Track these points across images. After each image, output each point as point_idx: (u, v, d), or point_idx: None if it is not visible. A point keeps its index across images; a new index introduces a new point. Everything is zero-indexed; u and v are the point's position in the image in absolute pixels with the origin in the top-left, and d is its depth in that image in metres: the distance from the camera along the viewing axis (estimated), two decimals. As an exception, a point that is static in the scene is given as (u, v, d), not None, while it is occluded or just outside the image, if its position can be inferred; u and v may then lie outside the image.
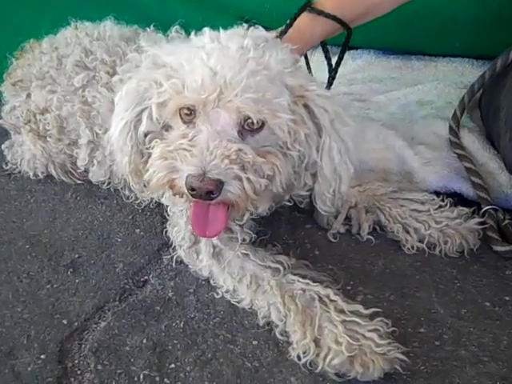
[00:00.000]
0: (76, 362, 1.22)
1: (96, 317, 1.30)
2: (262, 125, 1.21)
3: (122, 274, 1.42)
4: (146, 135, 1.30)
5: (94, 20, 1.81)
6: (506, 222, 1.56)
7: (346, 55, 2.47)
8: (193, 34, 1.33)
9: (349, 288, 1.40)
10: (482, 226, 1.53)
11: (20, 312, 1.31)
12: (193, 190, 1.15)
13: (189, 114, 1.22)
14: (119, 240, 1.54)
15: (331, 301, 1.25)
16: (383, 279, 1.44)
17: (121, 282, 1.40)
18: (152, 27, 1.72)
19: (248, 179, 1.18)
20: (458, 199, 1.64)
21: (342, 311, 1.23)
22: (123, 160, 1.34)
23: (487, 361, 1.21)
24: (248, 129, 1.21)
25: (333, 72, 1.71)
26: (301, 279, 1.30)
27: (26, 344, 1.23)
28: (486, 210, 1.59)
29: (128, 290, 1.38)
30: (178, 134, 1.23)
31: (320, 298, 1.26)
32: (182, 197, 1.24)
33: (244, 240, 1.41)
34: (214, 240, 1.38)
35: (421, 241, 1.52)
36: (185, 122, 1.23)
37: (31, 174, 1.79)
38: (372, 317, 1.24)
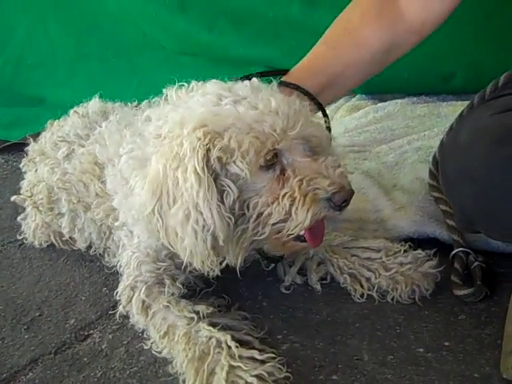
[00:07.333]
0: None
1: (27, 369, 1.39)
2: None
3: (70, 329, 1.50)
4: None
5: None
6: (476, 264, 1.48)
7: (370, 108, 2.50)
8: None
9: (279, 337, 1.39)
10: (436, 270, 1.47)
11: (-36, 365, 1.43)
12: (345, 201, 1.25)
13: (270, 159, 1.25)
14: (83, 298, 1.63)
15: (228, 347, 1.26)
16: (320, 328, 1.41)
17: (64, 336, 1.48)
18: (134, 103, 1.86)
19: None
20: (436, 243, 1.61)
21: (232, 356, 1.24)
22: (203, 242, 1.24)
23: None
24: None
25: None
26: (206, 326, 1.31)
27: (-46, 392, 1.35)
28: (455, 253, 1.53)
29: (68, 343, 1.45)
30: (271, 181, 1.26)
31: (219, 345, 1.27)
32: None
33: (173, 294, 1.44)
34: (143, 295, 1.43)
35: (371, 289, 1.49)
36: (267, 169, 1.26)
37: (36, 243, 1.93)
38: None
